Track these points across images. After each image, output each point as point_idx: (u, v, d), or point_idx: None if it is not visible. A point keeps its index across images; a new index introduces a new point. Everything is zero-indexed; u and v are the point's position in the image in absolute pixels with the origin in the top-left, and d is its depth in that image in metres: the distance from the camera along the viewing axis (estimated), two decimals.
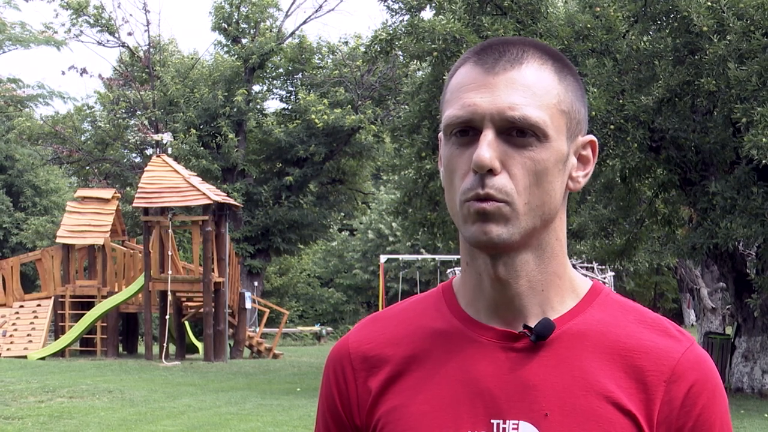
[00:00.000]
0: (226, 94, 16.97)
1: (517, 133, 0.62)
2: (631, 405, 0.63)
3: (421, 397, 0.65)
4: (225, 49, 17.82)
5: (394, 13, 9.64)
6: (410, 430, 0.64)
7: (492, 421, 0.63)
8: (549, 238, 0.65)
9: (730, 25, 7.33)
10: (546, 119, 0.63)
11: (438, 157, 0.67)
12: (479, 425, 0.63)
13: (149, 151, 16.52)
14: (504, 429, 0.63)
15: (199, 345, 13.02)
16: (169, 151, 13.72)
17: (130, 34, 16.93)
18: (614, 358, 0.64)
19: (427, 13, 9.67)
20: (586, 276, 0.71)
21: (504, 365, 0.64)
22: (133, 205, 12.39)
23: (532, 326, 0.64)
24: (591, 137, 0.67)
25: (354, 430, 0.69)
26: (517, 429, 0.63)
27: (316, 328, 18.85)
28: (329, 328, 18.96)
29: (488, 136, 0.62)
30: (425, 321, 0.68)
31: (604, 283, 11.62)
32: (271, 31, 17.69)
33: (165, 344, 11.44)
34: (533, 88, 0.63)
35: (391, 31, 9.35)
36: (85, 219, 12.56)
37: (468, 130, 0.63)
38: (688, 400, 0.64)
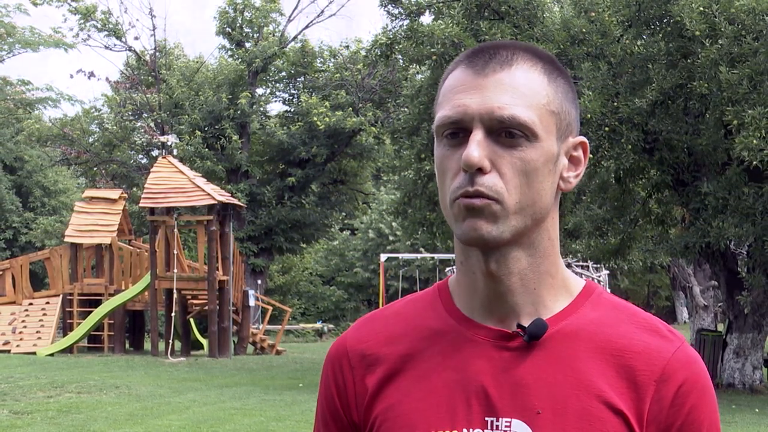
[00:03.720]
0: (230, 97, 17.18)
1: (507, 133, 0.62)
2: (621, 404, 0.63)
3: (417, 394, 0.65)
4: (229, 53, 18.04)
5: (394, 18, 9.83)
6: (407, 428, 0.65)
7: (486, 418, 0.64)
8: (541, 238, 0.65)
9: (722, 29, 7.48)
10: (535, 119, 0.63)
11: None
12: (474, 423, 0.64)
13: (155, 153, 16.75)
14: (497, 426, 0.63)
15: (204, 342, 13.19)
16: (175, 152, 13.93)
17: (136, 38, 17.12)
18: (606, 357, 0.64)
19: (426, 18, 9.87)
20: (580, 275, 0.77)
21: (498, 364, 0.64)
22: (140, 205, 12.59)
23: (526, 325, 0.65)
24: (582, 138, 0.67)
25: (352, 428, 0.69)
26: (510, 426, 0.63)
27: (318, 325, 19.03)
28: (331, 325, 19.14)
29: (477, 135, 0.62)
30: (421, 320, 0.69)
31: (599, 281, 11.77)
32: (273, 35, 17.90)
33: (170, 341, 11.61)
34: (522, 89, 0.63)
35: (391, 36, 9.54)
36: (93, 219, 12.76)
37: (458, 131, 0.63)
38: (677, 399, 0.64)
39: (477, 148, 0.62)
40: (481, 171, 0.62)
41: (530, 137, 0.63)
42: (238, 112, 17.04)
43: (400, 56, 10.19)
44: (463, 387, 0.65)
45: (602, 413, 0.63)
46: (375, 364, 0.68)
